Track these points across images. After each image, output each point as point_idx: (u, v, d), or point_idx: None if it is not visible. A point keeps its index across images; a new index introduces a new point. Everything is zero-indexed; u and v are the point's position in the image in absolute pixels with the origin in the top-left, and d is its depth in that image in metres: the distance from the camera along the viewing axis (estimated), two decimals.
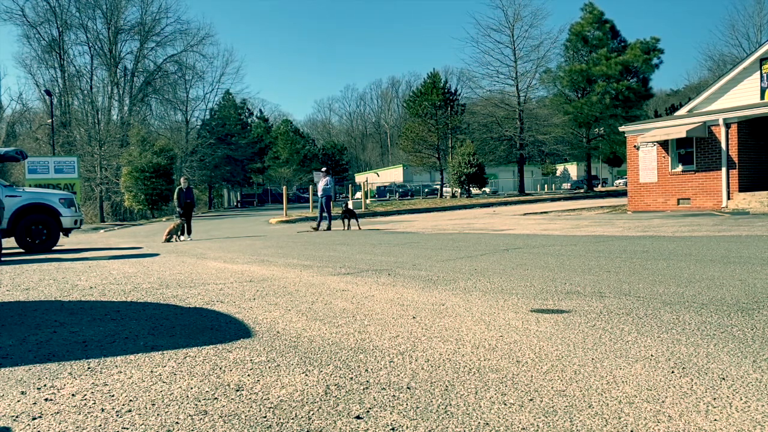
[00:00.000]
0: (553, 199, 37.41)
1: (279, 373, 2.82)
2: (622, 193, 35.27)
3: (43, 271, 8.14)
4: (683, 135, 18.59)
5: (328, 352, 3.20)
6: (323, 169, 19.31)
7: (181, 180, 17.51)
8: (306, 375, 2.78)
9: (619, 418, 2.12)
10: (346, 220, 17.86)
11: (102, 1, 55.79)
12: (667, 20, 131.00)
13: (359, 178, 77.60)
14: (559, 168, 77.87)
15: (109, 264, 9.05)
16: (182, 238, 16.15)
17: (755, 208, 16.72)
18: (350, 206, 18.91)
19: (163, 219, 40.40)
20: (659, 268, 5.97)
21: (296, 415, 2.27)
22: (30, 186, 26.81)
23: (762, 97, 18.47)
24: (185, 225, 16.47)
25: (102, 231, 29.57)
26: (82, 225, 16.73)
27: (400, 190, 63.41)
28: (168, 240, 15.76)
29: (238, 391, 2.59)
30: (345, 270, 6.97)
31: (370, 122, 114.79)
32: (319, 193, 17.93)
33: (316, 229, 17.58)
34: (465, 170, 41.68)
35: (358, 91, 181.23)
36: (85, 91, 57.09)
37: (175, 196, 16.79)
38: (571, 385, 2.50)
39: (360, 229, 17.31)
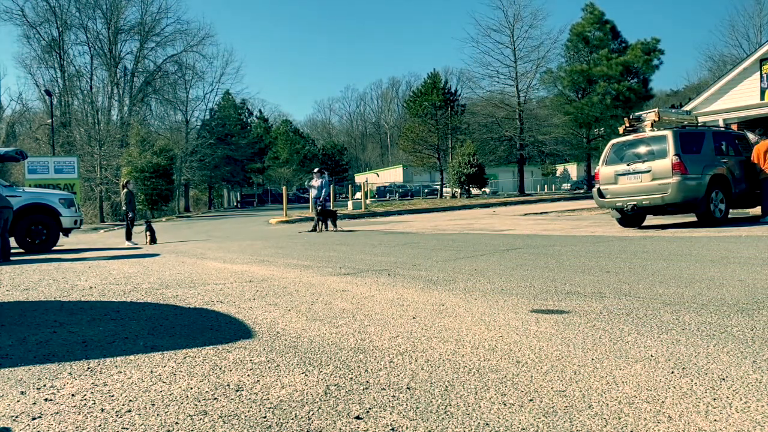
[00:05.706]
0: (553, 200, 37.39)
1: (279, 374, 2.82)
2: None
3: (43, 271, 8.14)
4: None
5: (328, 352, 3.20)
6: (316, 170, 19.11)
7: (129, 184, 16.50)
8: (306, 375, 2.78)
9: (619, 419, 2.12)
10: None
11: (102, 1, 55.87)
12: (667, 20, 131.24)
13: (359, 178, 77.59)
14: (559, 168, 77.90)
15: (109, 264, 9.05)
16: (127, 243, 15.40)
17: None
18: None
19: (163, 219, 40.41)
20: (659, 269, 5.97)
21: (296, 416, 2.27)
22: (30, 186, 26.80)
23: (762, 97, 18.47)
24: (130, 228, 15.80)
25: (102, 231, 29.57)
26: (82, 225, 16.71)
27: (400, 190, 63.39)
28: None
29: (237, 391, 2.58)
30: (345, 270, 6.97)
31: (370, 122, 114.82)
32: (313, 194, 17.71)
33: (313, 230, 17.40)
34: (465, 170, 41.70)
35: (358, 92, 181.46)
36: (85, 91, 57.16)
37: (127, 199, 15.87)
38: (571, 385, 2.50)
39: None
